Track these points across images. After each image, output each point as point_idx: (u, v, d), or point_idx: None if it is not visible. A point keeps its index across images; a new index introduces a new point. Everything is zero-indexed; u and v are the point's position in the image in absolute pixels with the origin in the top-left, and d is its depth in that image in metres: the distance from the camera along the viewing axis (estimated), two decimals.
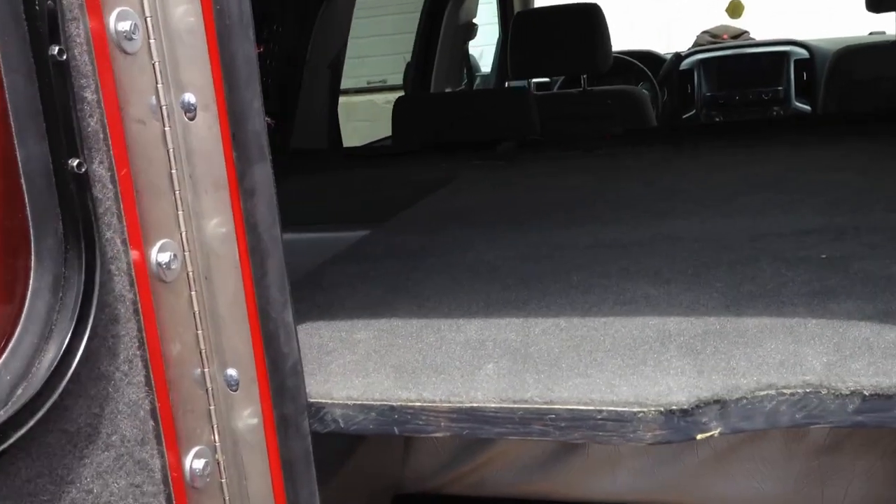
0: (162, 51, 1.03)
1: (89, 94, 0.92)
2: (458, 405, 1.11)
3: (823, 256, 1.47)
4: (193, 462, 1.11)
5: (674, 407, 1.03)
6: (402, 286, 1.58)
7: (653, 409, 1.03)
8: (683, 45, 6.65)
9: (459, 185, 2.56)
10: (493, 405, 1.10)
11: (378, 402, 1.15)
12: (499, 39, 6.35)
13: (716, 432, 1.04)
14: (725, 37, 6.52)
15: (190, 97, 1.04)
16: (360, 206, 2.49)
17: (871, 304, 1.23)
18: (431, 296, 1.51)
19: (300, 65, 3.29)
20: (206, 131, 1.05)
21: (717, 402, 1.04)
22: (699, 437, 1.04)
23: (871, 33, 6.20)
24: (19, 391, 0.84)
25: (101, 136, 0.94)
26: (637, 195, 2.17)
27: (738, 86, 6.08)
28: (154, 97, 1.03)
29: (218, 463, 1.14)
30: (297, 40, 3.27)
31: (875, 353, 1.07)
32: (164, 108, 1.04)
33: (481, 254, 1.74)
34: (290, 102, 3.32)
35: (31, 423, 0.83)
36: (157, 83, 1.03)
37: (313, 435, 1.17)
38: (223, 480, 1.15)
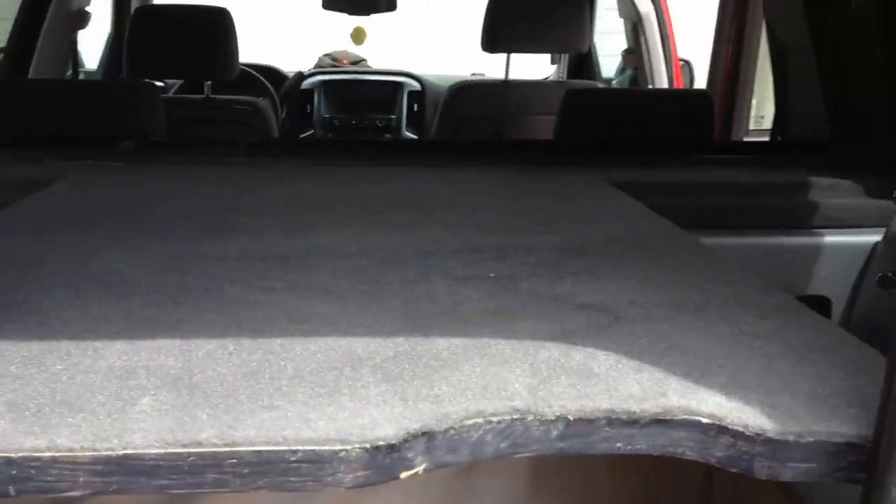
0: None
1: None
2: (108, 453, 0.86)
3: (492, 275, 1.44)
4: None
5: (381, 442, 0.89)
6: (11, 301, 1.26)
7: (357, 445, 0.88)
8: (306, 65, 6.66)
9: (70, 185, 2.19)
10: (155, 451, 0.87)
11: None
12: (109, 34, 5.81)
13: (421, 468, 0.92)
14: (345, 62, 6.64)
15: None
16: None
17: (550, 324, 1.21)
18: (52, 312, 1.22)
19: None
20: None
21: (425, 434, 0.92)
22: (403, 475, 0.91)
23: (472, 74, 6.72)
24: None
25: None
26: (280, 206, 2.02)
27: (355, 111, 6.22)
28: None
29: None
30: None
31: (571, 375, 1.03)
32: None
33: (109, 263, 1.46)
34: None
35: None
36: None
37: None
38: None
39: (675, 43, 4.91)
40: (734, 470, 0.93)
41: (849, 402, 0.97)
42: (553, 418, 0.95)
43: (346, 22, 6.38)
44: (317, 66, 6.73)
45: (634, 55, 5.01)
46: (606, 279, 1.41)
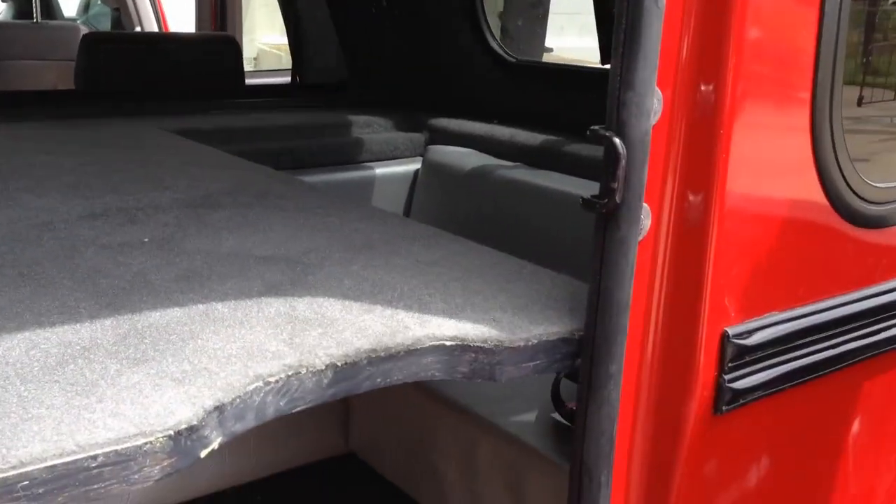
0: None
1: None
2: None
3: (146, 240, 1.36)
4: None
5: (183, 426, 0.83)
6: None
7: (160, 435, 0.82)
8: None
9: None
10: None
11: None
12: None
13: (216, 443, 0.89)
14: None
15: None
16: None
17: (249, 281, 1.20)
18: None
19: None
20: None
21: (217, 408, 0.88)
22: (203, 453, 0.87)
23: None
24: None
25: None
26: None
27: None
28: None
29: None
30: None
31: (314, 325, 1.06)
32: None
33: None
34: None
35: None
36: None
37: None
38: None
39: None
40: (478, 380, 1.07)
41: (544, 306, 1.16)
42: (323, 367, 0.98)
43: None
44: None
45: None
46: (264, 230, 1.42)
